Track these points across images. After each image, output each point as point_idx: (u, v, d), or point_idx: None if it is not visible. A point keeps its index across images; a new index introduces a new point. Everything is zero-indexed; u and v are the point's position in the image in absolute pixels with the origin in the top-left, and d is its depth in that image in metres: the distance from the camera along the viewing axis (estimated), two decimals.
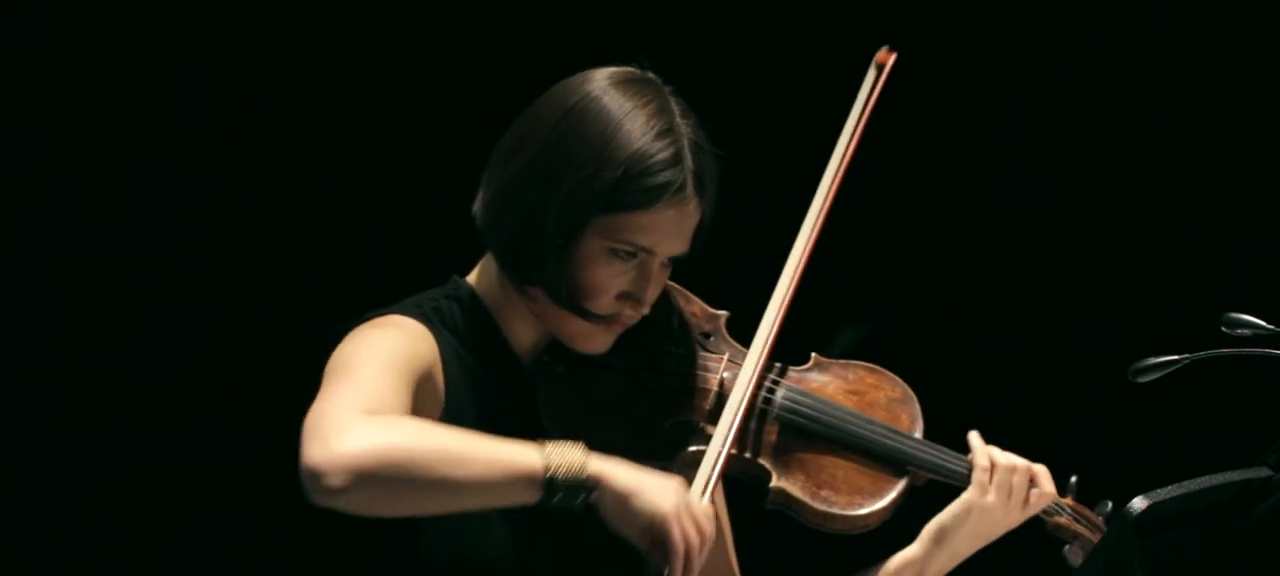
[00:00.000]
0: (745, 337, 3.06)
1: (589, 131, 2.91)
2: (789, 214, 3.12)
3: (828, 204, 3.10)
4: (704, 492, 2.89)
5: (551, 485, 2.69)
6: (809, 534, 3.05)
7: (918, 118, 4.59)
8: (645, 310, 2.98)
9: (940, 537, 3.10)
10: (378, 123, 4.55)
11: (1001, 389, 4.69)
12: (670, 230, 2.93)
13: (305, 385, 2.89)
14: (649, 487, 2.74)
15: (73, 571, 4.48)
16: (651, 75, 2.99)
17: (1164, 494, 2.64)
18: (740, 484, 2.97)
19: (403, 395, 2.79)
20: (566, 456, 2.71)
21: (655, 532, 2.74)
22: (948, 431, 3.12)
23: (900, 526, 3.11)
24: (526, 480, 2.69)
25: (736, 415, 2.98)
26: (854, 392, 3.11)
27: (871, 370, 3.14)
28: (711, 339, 3.10)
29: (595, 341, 2.98)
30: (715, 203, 2.97)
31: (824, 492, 3.03)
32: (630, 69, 2.99)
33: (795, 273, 3.07)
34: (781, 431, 3.05)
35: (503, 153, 2.97)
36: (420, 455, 2.65)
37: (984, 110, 4.72)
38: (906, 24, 3.31)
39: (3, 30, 4.35)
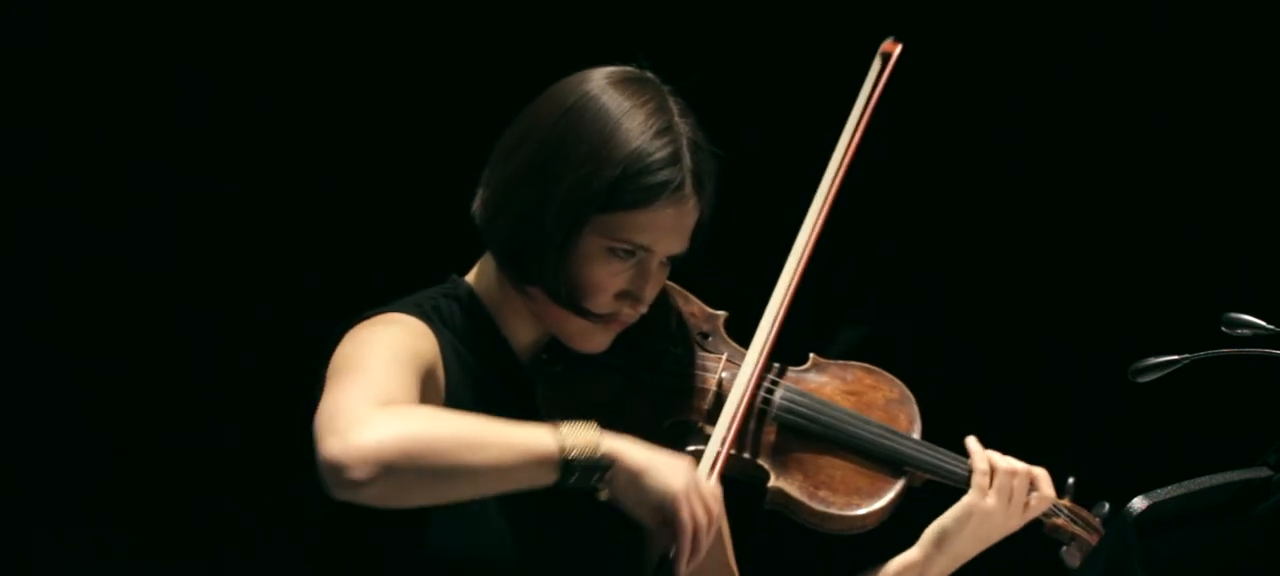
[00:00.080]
0: (743, 337, 3.07)
1: (588, 130, 2.91)
2: (787, 214, 3.12)
3: (829, 203, 3.10)
4: None
5: (568, 466, 2.71)
6: (807, 534, 3.05)
7: (917, 118, 4.59)
8: (644, 309, 2.98)
9: (941, 541, 3.11)
10: (378, 123, 4.55)
11: (1001, 389, 4.69)
12: (669, 229, 2.93)
13: (306, 385, 2.89)
14: (660, 466, 2.76)
15: (73, 571, 4.47)
16: (650, 75, 3.00)
17: (1164, 494, 2.64)
18: (739, 484, 2.97)
19: (411, 388, 2.80)
20: (580, 436, 2.72)
21: (665, 511, 2.76)
22: (947, 432, 3.12)
23: (899, 527, 3.11)
24: (543, 462, 2.70)
25: (735, 415, 2.98)
26: (852, 393, 3.11)
27: (869, 371, 3.14)
28: (710, 339, 3.10)
29: (594, 340, 2.98)
30: (714, 201, 2.97)
31: (822, 493, 3.03)
32: (629, 68, 3.00)
33: (795, 272, 3.07)
34: (780, 431, 3.05)
35: (502, 152, 2.98)
36: (439, 442, 2.66)
37: (984, 110, 4.72)
38: (906, 24, 3.30)
39: (3, 30, 4.35)
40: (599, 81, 2.95)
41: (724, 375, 3.05)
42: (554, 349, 3.02)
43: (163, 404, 4.47)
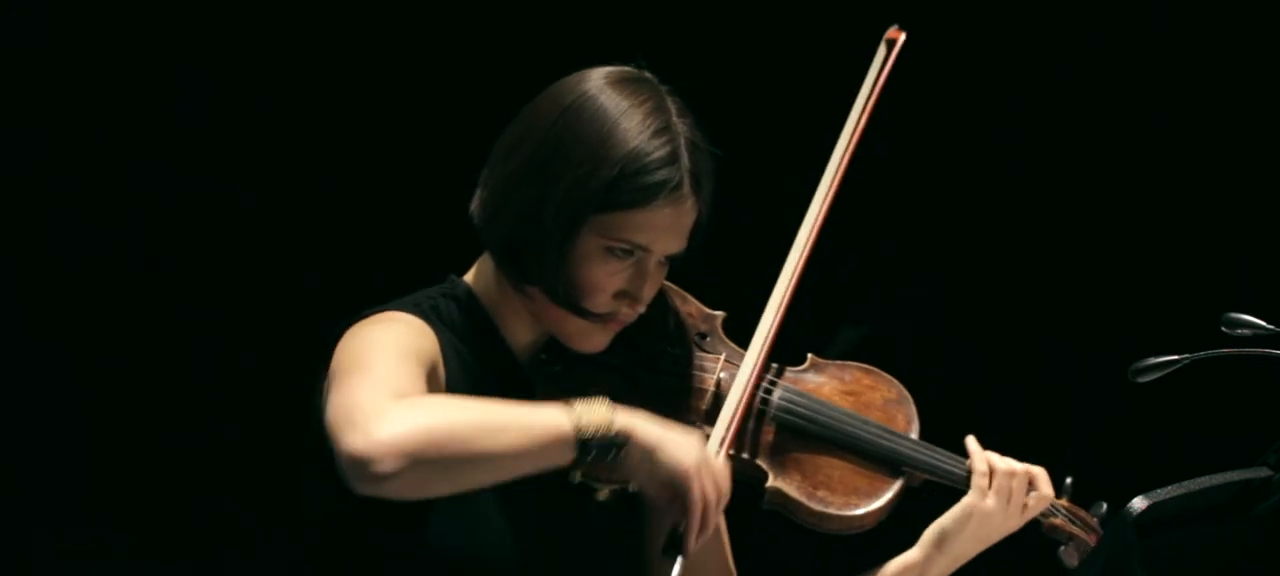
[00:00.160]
0: (740, 338, 3.06)
1: (586, 130, 2.91)
2: (785, 214, 3.12)
3: (828, 202, 3.10)
4: None
5: (585, 444, 2.72)
6: (806, 535, 3.04)
7: (917, 118, 4.59)
8: (642, 309, 2.98)
9: (941, 541, 3.11)
10: (378, 123, 4.55)
11: (1001, 389, 4.69)
12: (667, 228, 2.93)
13: (305, 385, 2.89)
14: (672, 442, 2.77)
15: (73, 571, 4.47)
16: (648, 75, 3.00)
17: (1164, 494, 2.64)
18: (737, 484, 2.97)
19: (419, 382, 2.81)
20: (595, 414, 2.73)
21: (675, 487, 2.77)
22: (947, 432, 3.12)
23: (898, 527, 3.11)
24: (560, 441, 2.72)
25: (734, 415, 2.98)
26: (850, 393, 3.11)
27: (867, 371, 3.14)
28: (708, 339, 3.10)
29: (592, 340, 2.98)
30: (712, 201, 2.97)
31: (820, 493, 3.03)
32: (627, 68, 3.00)
33: (795, 272, 3.07)
34: (778, 432, 3.05)
35: (500, 152, 2.98)
36: (460, 429, 2.67)
37: (984, 109, 4.72)
38: (906, 24, 3.29)
39: (3, 30, 4.35)
40: (597, 81, 2.96)
41: (722, 375, 3.05)
42: (552, 348, 3.02)
43: (163, 404, 4.47)
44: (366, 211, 4.57)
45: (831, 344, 3.25)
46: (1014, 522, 3.09)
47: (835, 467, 3.05)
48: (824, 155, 3.12)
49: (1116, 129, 4.71)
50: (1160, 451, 4.59)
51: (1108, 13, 4.67)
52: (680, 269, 3.02)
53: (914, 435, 3.10)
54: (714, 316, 3.12)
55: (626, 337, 3.00)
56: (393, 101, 4.55)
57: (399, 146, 4.56)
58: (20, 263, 4.40)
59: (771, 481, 3.02)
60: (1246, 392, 4.42)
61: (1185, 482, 2.65)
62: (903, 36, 3.19)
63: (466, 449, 2.67)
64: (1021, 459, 3.12)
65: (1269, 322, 2.92)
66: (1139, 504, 2.62)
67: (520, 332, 3.02)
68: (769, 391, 3.06)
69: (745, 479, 3.02)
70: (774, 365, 3.08)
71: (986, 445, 3.12)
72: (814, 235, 3.09)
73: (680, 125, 2.95)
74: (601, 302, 2.95)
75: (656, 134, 2.92)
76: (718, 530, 3.11)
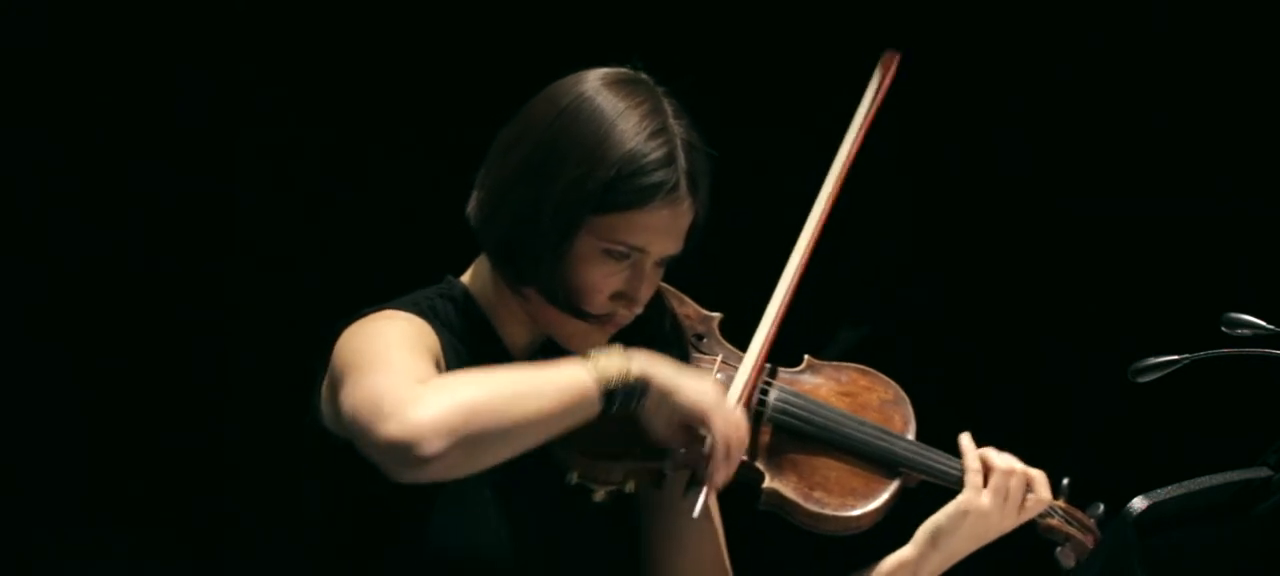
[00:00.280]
0: (736, 339, 3.06)
1: (582, 131, 2.91)
2: (783, 215, 3.12)
3: (826, 210, 3.10)
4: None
5: (609, 395, 2.75)
6: (802, 535, 3.04)
7: (917, 118, 4.58)
8: (639, 310, 2.98)
9: (935, 539, 3.10)
10: (378, 123, 4.55)
11: (1001, 389, 4.69)
12: (663, 230, 2.93)
13: (305, 385, 2.89)
14: (690, 383, 2.80)
15: (73, 571, 4.48)
16: (645, 76, 2.99)
17: (1164, 494, 2.64)
18: (733, 485, 2.97)
19: (432, 370, 2.82)
20: (613, 364, 2.76)
21: (692, 429, 2.80)
22: (947, 433, 3.12)
23: (895, 527, 3.11)
24: (586, 396, 2.74)
25: None
26: (846, 394, 3.11)
27: (864, 372, 3.14)
28: (704, 341, 3.10)
29: (589, 341, 2.97)
30: (708, 203, 2.97)
31: (816, 494, 3.03)
32: (624, 70, 3.00)
33: (795, 274, 3.06)
34: (774, 433, 3.04)
35: (497, 153, 2.98)
36: (494, 401, 2.69)
37: (984, 110, 4.72)
38: (906, 24, 3.31)
39: (3, 30, 4.35)
40: (594, 83, 2.95)
41: (719, 376, 3.04)
42: (549, 349, 3.01)
43: (163, 404, 4.48)
44: (366, 211, 4.57)
45: (830, 344, 3.25)
46: (1010, 522, 3.09)
47: (832, 468, 3.05)
48: (823, 156, 3.12)
49: (1116, 129, 4.71)
50: (1160, 451, 4.59)
51: (1108, 13, 4.67)
52: (677, 270, 3.02)
53: (911, 436, 3.09)
54: (711, 318, 3.12)
55: (623, 339, 3.00)
56: (393, 101, 4.55)
57: (399, 146, 4.56)
58: (20, 263, 4.40)
59: (768, 482, 3.02)
60: (1246, 392, 4.42)
61: (1185, 482, 2.65)
62: (897, 60, 3.19)
63: (503, 418, 2.68)
64: (1022, 459, 3.11)
65: (1269, 322, 2.92)
66: (1139, 504, 2.62)
67: (517, 333, 3.01)
68: (765, 392, 3.05)
69: (741, 479, 3.01)
70: (770, 366, 3.08)
71: (987, 445, 3.12)
72: (814, 238, 3.08)
73: (677, 126, 2.95)
74: (598, 304, 2.94)
75: (653, 135, 2.92)
76: (714, 530, 3.11)
